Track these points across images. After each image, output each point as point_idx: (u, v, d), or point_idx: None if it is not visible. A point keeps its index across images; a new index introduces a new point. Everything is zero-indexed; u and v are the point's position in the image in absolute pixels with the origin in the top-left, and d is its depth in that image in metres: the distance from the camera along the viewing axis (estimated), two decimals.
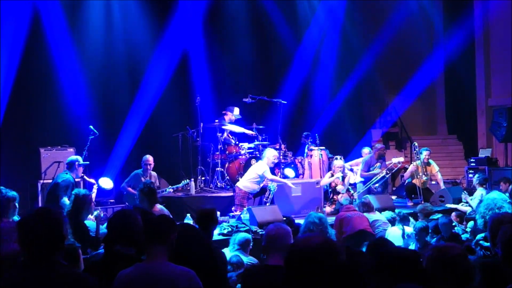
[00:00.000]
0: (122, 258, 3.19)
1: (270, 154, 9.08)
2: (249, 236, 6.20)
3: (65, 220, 2.67)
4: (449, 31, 14.14)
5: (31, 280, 2.44)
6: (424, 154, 10.64)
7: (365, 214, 7.17)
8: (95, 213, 7.36)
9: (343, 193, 9.57)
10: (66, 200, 7.11)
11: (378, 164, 10.56)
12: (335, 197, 9.64)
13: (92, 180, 8.10)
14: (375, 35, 13.85)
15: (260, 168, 8.94)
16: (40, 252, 2.47)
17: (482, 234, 5.02)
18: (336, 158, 10.28)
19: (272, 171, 10.18)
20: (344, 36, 14.24)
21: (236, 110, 10.77)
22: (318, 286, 2.08)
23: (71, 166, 7.70)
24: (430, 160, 10.80)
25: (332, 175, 9.74)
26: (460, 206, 9.15)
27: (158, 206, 6.41)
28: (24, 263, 2.52)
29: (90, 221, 6.41)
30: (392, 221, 7.38)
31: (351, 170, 10.77)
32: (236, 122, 10.76)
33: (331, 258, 2.11)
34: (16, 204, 5.27)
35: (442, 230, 6.48)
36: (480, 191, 8.80)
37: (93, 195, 7.78)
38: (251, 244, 6.09)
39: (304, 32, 13.91)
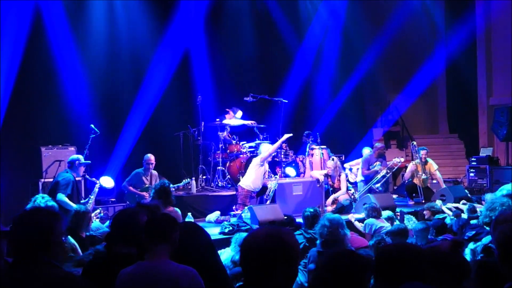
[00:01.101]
0: (124, 257, 3.19)
1: (265, 148, 9.24)
2: None
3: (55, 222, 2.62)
4: (450, 29, 14.13)
5: (16, 279, 2.42)
6: (421, 153, 10.64)
7: (372, 220, 7.11)
8: (97, 211, 7.42)
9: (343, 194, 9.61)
10: (63, 197, 7.14)
11: (377, 162, 10.56)
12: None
13: (94, 179, 8.12)
14: (377, 34, 13.86)
15: (257, 158, 9.08)
16: (27, 252, 2.45)
17: (489, 238, 4.79)
18: (329, 158, 10.32)
19: (273, 170, 10.22)
20: (346, 35, 14.23)
21: (239, 113, 10.83)
22: (271, 279, 2.09)
23: (72, 165, 7.70)
24: (428, 159, 10.80)
25: (328, 174, 9.81)
26: (461, 206, 9.09)
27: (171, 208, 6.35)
28: (13, 262, 2.50)
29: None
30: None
31: (350, 170, 10.77)
32: None
33: (279, 251, 2.11)
34: None
35: (416, 237, 5.80)
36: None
37: (93, 196, 7.81)
38: None
39: (305, 31, 13.92)
